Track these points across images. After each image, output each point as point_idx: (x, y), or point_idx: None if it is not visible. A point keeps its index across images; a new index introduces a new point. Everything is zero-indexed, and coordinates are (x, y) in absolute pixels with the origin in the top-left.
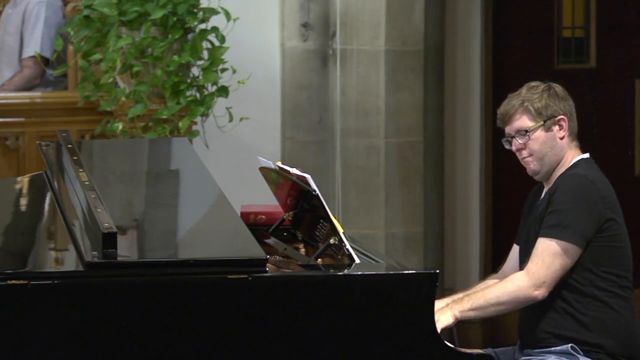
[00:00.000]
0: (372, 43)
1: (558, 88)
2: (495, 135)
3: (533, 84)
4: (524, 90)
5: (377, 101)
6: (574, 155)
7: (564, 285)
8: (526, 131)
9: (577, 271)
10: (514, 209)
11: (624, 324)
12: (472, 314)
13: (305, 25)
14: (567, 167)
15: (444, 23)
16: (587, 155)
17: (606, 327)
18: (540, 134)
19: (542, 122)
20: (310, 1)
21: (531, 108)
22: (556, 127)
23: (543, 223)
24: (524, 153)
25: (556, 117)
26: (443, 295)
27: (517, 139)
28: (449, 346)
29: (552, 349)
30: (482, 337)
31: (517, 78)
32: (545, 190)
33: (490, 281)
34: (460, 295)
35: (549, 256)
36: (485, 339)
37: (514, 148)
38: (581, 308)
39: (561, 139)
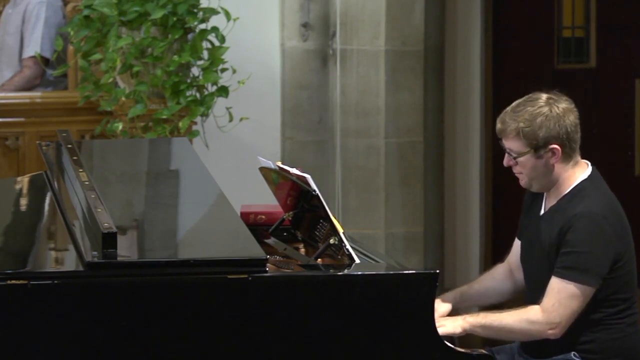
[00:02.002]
0: (372, 43)
1: (560, 107)
2: (495, 135)
3: (538, 101)
4: (526, 107)
5: (377, 101)
6: (573, 175)
7: None
8: (516, 155)
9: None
10: (514, 209)
11: (627, 341)
12: (481, 330)
13: (305, 25)
14: (571, 187)
15: (444, 23)
16: (589, 169)
17: (612, 347)
18: (529, 159)
19: (532, 150)
20: (310, 1)
21: (522, 134)
22: (548, 154)
23: (558, 262)
24: (515, 170)
25: (548, 145)
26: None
27: (509, 156)
28: (449, 346)
29: (554, 357)
30: (482, 337)
31: (517, 78)
32: (546, 202)
33: (494, 274)
34: (463, 288)
35: (566, 298)
36: (485, 339)
37: (504, 163)
38: (588, 332)
39: (553, 164)
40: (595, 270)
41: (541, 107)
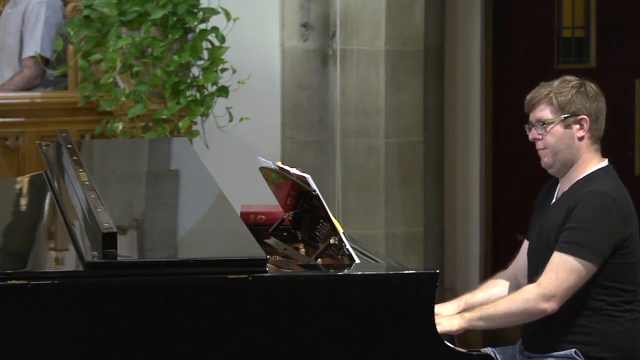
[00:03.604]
0: (372, 43)
1: (591, 87)
2: (495, 135)
3: (568, 77)
4: (556, 81)
5: (377, 101)
6: (592, 160)
7: (572, 298)
8: (544, 123)
9: (588, 285)
10: (514, 209)
11: (628, 337)
12: (481, 323)
13: (305, 25)
14: (585, 173)
15: (444, 23)
16: (605, 162)
17: (611, 341)
18: (558, 129)
19: (562, 118)
20: (310, 1)
21: (555, 101)
22: (576, 126)
23: (561, 237)
24: (540, 144)
25: (578, 115)
26: (443, 295)
27: (536, 129)
28: (449, 346)
29: (555, 353)
30: (482, 337)
31: (517, 78)
32: (559, 191)
33: (497, 280)
34: (467, 296)
35: (563, 272)
36: (485, 339)
37: (530, 137)
38: (587, 322)
39: (580, 138)
40: (596, 247)
41: (574, 82)
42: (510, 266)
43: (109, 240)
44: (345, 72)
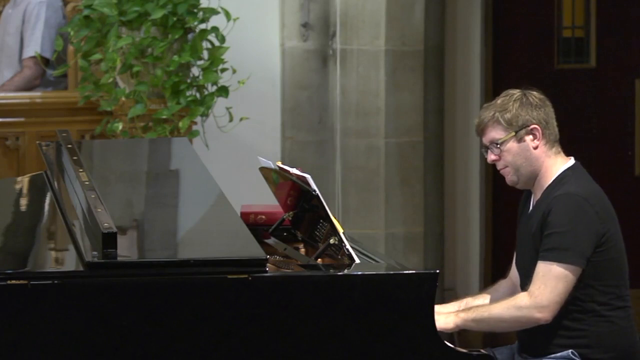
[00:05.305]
0: (372, 43)
1: (533, 96)
2: None
3: (510, 92)
4: (498, 99)
5: (377, 101)
6: (555, 164)
7: (564, 303)
8: (497, 143)
9: (578, 288)
10: (514, 209)
11: (622, 335)
12: (474, 325)
13: (305, 25)
14: (553, 177)
15: (444, 23)
16: (572, 161)
17: (605, 342)
18: (512, 145)
19: (513, 133)
20: (310, 1)
21: (501, 119)
22: (529, 137)
23: (541, 245)
24: (500, 165)
25: (528, 126)
26: (443, 295)
27: (492, 151)
28: (449, 346)
29: (552, 355)
30: (482, 337)
31: (517, 78)
32: (533, 199)
33: (499, 287)
34: (468, 299)
35: (551, 280)
36: (485, 339)
37: (489, 160)
38: (581, 325)
39: (535, 148)
40: (577, 249)
41: (515, 94)
42: (507, 277)
43: (109, 240)
44: (345, 72)
